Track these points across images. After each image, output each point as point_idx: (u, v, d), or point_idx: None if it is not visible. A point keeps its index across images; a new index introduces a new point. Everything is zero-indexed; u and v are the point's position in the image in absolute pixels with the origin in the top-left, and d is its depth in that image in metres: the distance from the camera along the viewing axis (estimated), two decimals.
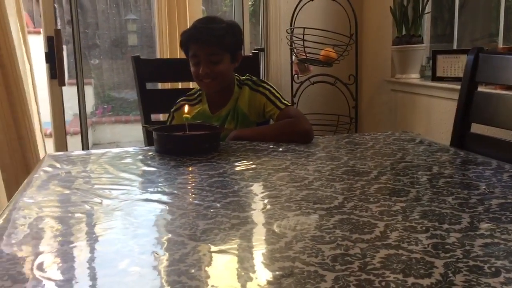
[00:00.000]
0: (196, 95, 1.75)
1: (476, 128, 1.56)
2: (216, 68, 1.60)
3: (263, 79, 3.02)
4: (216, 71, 1.60)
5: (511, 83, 1.53)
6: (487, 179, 1.08)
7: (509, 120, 1.44)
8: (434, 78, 2.49)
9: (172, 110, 1.77)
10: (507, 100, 1.46)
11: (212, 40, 1.58)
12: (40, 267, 0.69)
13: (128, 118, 5.62)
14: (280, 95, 1.68)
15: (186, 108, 1.59)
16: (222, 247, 0.75)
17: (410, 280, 0.62)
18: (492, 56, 1.53)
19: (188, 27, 1.69)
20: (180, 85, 2.58)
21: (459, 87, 1.59)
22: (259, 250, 0.74)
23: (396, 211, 0.88)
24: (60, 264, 0.70)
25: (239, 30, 1.69)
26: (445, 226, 0.81)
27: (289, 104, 1.67)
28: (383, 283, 0.61)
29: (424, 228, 0.80)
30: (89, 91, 5.52)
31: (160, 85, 2.79)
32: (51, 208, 0.95)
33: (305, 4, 2.81)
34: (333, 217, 0.85)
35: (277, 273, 0.65)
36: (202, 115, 1.69)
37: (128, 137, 5.33)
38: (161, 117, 2.61)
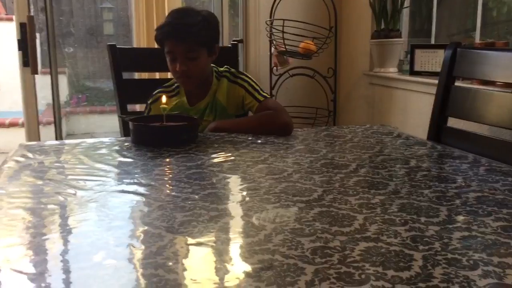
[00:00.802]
0: (173, 86, 1.71)
1: (453, 122, 1.57)
2: (193, 65, 1.57)
3: (242, 71, 3.00)
4: (193, 68, 1.57)
5: (487, 78, 1.55)
6: (463, 173, 1.09)
7: (485, 114, 1.46)
8: (412, 72, 2.51)
9: (149, 101, 1.72)
10: (483, 95, 1.48)
11: (188, 37, 1.54)
12: (11, 260, 0.66)
13: (103, 108, 5.53)
14: (259, 87, 1.67)
15: (164, 98, 1.56)
16: (200, 240, 0.73)
17: (390, 273, 0.62)
18: (470, 51, 1.54)
19: (164, 19, 1.63)
20: (157, 75, 2.55)
21: (436, 81, 1.61)
22: (238, 243, 0.73)
23: (375, 204, 0.88)
24: (32, 257, 0.68)
25: (216, 22, 1.65)
26: (423, 219, 0.81)
27: (268, 96, 1.66)
28: (363, 276, 0.61)
29: (402, 221, 0.80)
30: (63, 81, 5.42)
31: (137, 75, 2.75)
32: (22, 199, 0.92)
33: None
34: (313, 209, 0.85)
35: (256, 266, 0.64)
36: (180, 107, 1.66)
37: (103, 128, 5.24)
38: (138, 107, 2.58)
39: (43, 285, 0.60)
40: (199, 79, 1.62)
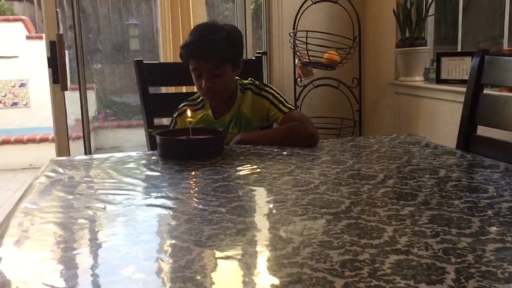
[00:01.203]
0: (198, 100, 1.73)
1: (482, 131, 1.54)
2: (218, 81, 1.57)
3: (266, 83, 3.01)
4: (219, 84, 1.58)
5: None
6: (495, 182, 1.07)
7: None
8: (439, 80, 2.48)
9: (174, 115, 1.74)
10: None
11: (213, 54, 1.54)
12: (43, 274, 0.68)
13: (130, 122, 5.63)
14: (283, 99, 1.67)
15: (189, 112, 1.57)
16: (228, 253, 0.73)
17: (422, 286, 0.61)
18: (498, 58, 1.51)
19: (188, 35, 1.62)
20: (184, 89, 2.58)
21: (464, 89, 1.58)
22: (266, 256, 0.72)
23: (404, 215, 0.87)
24: (64, 271, 0.69)
25: (240, 36, 1.65)
26: (455, 230, 0.79)
27: (293, 108, 1.65)
28: None
29: (433, 232, 0.78)
30: (91, 96, 5.54)
31: (164, 89, 2.79)
32: (54, 214, 0.93)
33: (307, 7, 2.80)
34: (341, 221, 0.84)
35: (285, 279, 0.63)
36: (205, 120, 1.68)
37: (130, 142, 5.33)
38: (165, 121, 2.61)
39: None
40: (225, 94, 1.63)
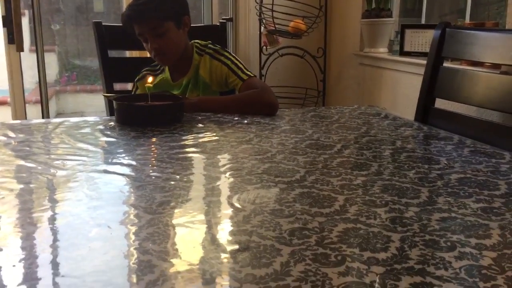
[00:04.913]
0: (159, 65, 1.72)
1: (441, 104, 1.57)
2: (163, 41, 1.57)
3: (231, 49, 2.97)
4: (164, 44, 1.58)
5: (476, 59, 1.54)
6: (448, 154, 1.09)
7: (472, 96, 1.45)
8: (402, 52, 2.49)
9: (135, 80, 1.73)
10: (471, 76, 1.47)
11: (148, 15, 1.54)
12: None
13: (93, 87, 5.48)
14: (243, 65, 1.65)
15: (150, 78, 1.55)
16: (178, 221, 0.73)
17: (366, 254, 0.62)
18: (459, 31, 1.53)
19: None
20: (148, 54, 2.51)
21: (425, 62, 1.59)
22: (217, 224, 0.72)
23: (357, 185, 0.88)
24: (7, 239, 0.67)
25: None
26: (404, 200, 0.81)
27: (252, 75, 1.64)
28: (339, 257, 0.61)
29: (383, 202, 0.80)
30: (53, 58, 5.34)
31: (127, 53, 2.71)
32: (0, 179, 0.90)
33: None
34: (294, 190, 0.84)
35: (233, 247, 0.63)
36: (164, 83, 1.68)
37: (92, 107, 5.20)
38: (128, 86, 2.54)
39: (11, 264, 0.60)
40: (176, 53, 1.62)
